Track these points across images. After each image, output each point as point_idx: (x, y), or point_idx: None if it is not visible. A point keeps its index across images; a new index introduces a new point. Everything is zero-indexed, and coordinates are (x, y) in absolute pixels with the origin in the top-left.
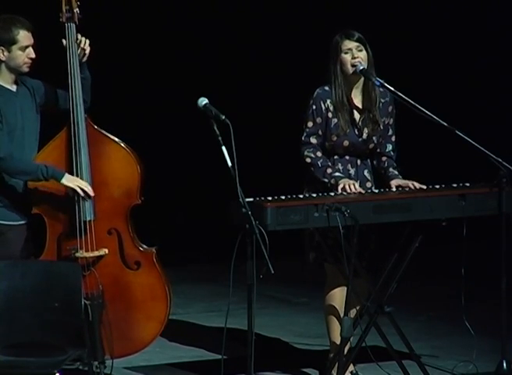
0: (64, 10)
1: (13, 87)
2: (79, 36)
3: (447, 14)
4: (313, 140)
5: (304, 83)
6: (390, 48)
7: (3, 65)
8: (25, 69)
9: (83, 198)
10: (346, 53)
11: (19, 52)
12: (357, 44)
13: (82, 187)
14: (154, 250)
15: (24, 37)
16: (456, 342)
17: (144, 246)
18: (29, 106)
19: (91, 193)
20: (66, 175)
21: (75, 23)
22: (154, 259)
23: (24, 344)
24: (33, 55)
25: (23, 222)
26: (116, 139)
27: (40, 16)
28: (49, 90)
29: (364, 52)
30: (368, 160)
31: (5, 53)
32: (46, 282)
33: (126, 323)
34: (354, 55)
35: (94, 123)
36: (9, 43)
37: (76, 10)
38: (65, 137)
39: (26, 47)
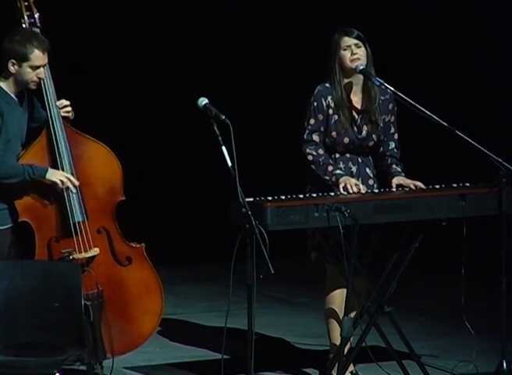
0: (25, 16)
1: (17, 99)
2: (63, 101)
3: (447, 13)
4: (315, 137)
5: (303, 83)
6: (390, 47)
7: (12, 77)
8: (32, 86)
9: (67, 189)
10: (344, 50)
11: (29, 70)
12: (356, 41)
13: (64, 179)
14: (143, 244)
15: (37, 57)
16: (456, 342)
17: (132, 243)
18: (24, 120)
19: (76, 183)
20: (50, 170)
21: (39, 28)
22: (145, 254)
23: (24, 344)
24: (42, 76)
25: (6, 226)
26: (94, 138)
27: (2, 21)
28: (37, 106)
29: (363, 49)
30: (370, 158)
31: (15, 67)
32: (46, 282)
33: (124, 320)
34: (353, 51)
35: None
36: (21, 59)
37: (37, 15)
38: (45, 140)
39: (37, 67)
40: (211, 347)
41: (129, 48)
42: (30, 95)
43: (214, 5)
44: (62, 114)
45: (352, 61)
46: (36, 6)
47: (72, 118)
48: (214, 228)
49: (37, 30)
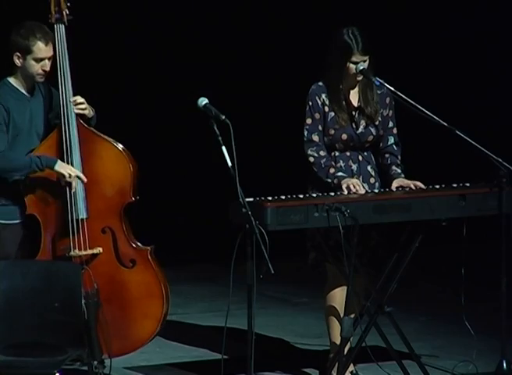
0: (53, 11)
1: (28, 92)
2: (77, 98)
3: (447, 13)
4: (315, 137)
5: (303, 83)
6: (390, 47)
7: (19, 70)
8: (38, 79)
9: (69, 185)
10: (353, 63)
11: (33, 62)
12: (365, 58)
13: (72, 173)
14: (149, 248)
15: (40, 49)
16: (456, 342)
17: (139, 244)
18: (40, 113)
19: (84, 179)
20: (59, 161)
21: (64, 24)
22: (149, 257)
23: (24, 344)
24: (47, 68)
25: (17, 221)
26: (108, 138)
27: (30, 16)
28: (57, 102)
29: (368, 61)
30: (372, 156)
31: (20, 60)
32: (46, 282)
33: (123, 322)
34: (359, 67)
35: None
36: (25, 51)
37: (66, 11)
38: (57, 137)
39: (42, 59)
40: (211, 347)
41: (128, 47)
42: (50, 91)
43: (214, 4)
44: (76, 111)
45: (354, 75)
46: (65, 3)
47: (90, 116)
48: (214, 228)
49: (63, 27)
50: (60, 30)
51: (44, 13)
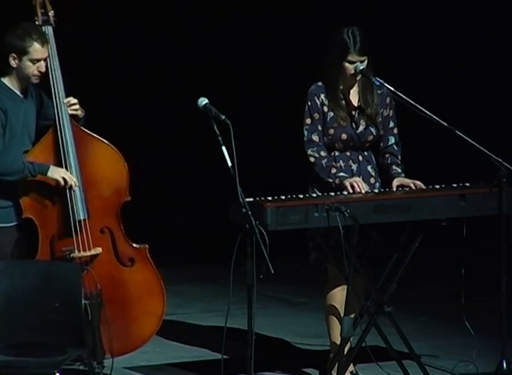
0: (39, 13)
1: (22, 94)
2: (71, 99)
3: (447, 14)
4: (315, 137)
5: (303, 83)
6: (390, 47)
7: (14, 71)
8: (34, 80)
9: (69, 188)
10: (350, 63)
11: (29, 64)
12: (363, 58)
13: (66, 177)
14: (146, 246)
15: (36, 50)
16: (456, 342)
17: (135, 244)
18: (32, 114)
19: (74, 184)
20: (51, 167)
21: (51, 26)
22: (148, 255)
23: (24, 344)
24: (42, 69)
25: (13, 223)
26: (101, 138)
27: (17, 18)
28: (47, 103)
29: (366, 61)
30: (372, 156)
31: (16, 61)
32: (46, 282)
33: (124, 321)
34: (359, 67)
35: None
36: (21, 52)
37: (51, 13)
38: (52, 138)
39: (38, 60)
40: (211, 347)
41: (128, 47)
42: (39, 92)
43: (214, 4)
44: (70, 112)
45: (352, 75)
46: (50, 4)
47: (81, 116)
48: (214, 228)
49: (50, 28)
50: (48, 32)
51: (30, 15)
